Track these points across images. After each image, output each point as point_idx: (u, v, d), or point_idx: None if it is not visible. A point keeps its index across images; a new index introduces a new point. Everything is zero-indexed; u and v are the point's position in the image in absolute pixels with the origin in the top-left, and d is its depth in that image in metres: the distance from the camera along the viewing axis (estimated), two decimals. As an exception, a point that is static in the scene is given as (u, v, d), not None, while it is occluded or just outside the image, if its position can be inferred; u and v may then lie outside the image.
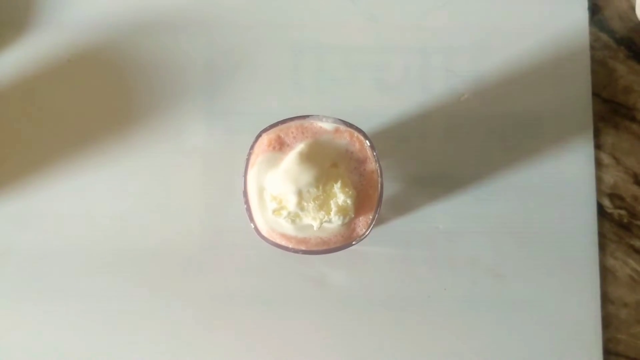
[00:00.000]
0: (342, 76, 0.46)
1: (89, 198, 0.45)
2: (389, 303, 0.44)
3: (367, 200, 0.38)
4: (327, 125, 0.38)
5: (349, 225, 0.38)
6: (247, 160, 0.38)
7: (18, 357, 0.43)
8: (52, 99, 0.46)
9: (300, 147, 0.37)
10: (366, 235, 0.38)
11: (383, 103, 0.45)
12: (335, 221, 0.36)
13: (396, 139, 0.45)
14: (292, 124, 0.38)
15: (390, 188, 0.44)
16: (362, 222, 0.38)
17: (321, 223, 0.36)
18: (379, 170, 0.37)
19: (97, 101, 0.46)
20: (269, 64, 0.46)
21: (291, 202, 0.36)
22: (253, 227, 0.38)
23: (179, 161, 0.45)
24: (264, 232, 0.38)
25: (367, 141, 0.37)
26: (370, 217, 0.38)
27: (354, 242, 0.38)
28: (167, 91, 0.45)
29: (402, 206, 0.45)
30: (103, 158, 0.45)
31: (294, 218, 0.36)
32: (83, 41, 0.46)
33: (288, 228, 0.37)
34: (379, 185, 0.37)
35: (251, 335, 0.43)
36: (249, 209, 0.38)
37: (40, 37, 0.46)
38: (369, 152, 0.38)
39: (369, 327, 0.44)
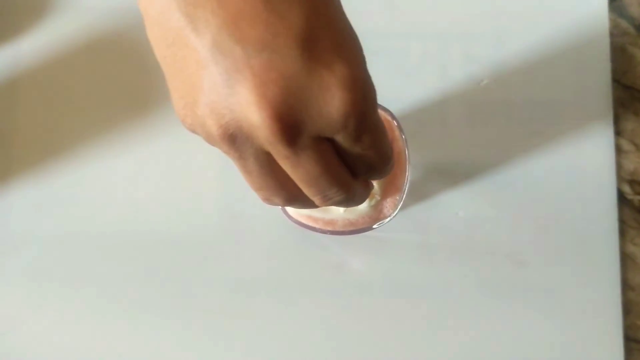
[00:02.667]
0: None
1: (109, 184, 0.44)
2: (408, 290, 0.43)
3: (394, 182, 0.37)
4: None
5: (376, 207, 0.37)
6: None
7: (38, 342, 0.43)
8: (71, 85, 0.45)
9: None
10: (393, 216, 0.37)
11: (402, 89, 0.45)
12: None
13: (415, 125, 0.45)
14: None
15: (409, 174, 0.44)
16: (389, 204, 0.38)
17: (348, 204, 0.36)
18: (406, 151, 0.37)
19: (117, 86, 0.45)
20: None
21: None
22: (280, 207, 0.37)
23: (199, 145, 0.44)
24: (291, 213, 0.37)
25: (394, 121, 0.37)
26: (397, 198, 0.37)
27: (375, 225, 0.37)
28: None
29: (422, 193, 0.44)
30: (123, 143, 0.45)
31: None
32: (102, 26, 0.45)
33: (315, 210, 0.37)
34: (407, 165, 0.37)
35: (270, 321, 0.43)
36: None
37: (59, 22, 0.46)
38: (396, 132, 0.37)
39: (388, 313, 0.43)
